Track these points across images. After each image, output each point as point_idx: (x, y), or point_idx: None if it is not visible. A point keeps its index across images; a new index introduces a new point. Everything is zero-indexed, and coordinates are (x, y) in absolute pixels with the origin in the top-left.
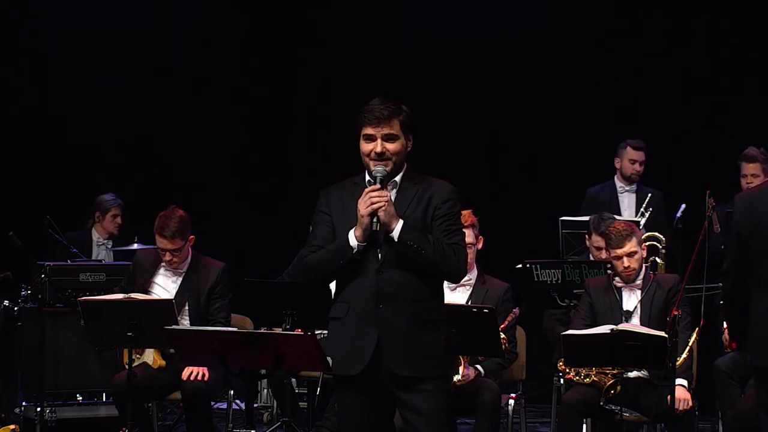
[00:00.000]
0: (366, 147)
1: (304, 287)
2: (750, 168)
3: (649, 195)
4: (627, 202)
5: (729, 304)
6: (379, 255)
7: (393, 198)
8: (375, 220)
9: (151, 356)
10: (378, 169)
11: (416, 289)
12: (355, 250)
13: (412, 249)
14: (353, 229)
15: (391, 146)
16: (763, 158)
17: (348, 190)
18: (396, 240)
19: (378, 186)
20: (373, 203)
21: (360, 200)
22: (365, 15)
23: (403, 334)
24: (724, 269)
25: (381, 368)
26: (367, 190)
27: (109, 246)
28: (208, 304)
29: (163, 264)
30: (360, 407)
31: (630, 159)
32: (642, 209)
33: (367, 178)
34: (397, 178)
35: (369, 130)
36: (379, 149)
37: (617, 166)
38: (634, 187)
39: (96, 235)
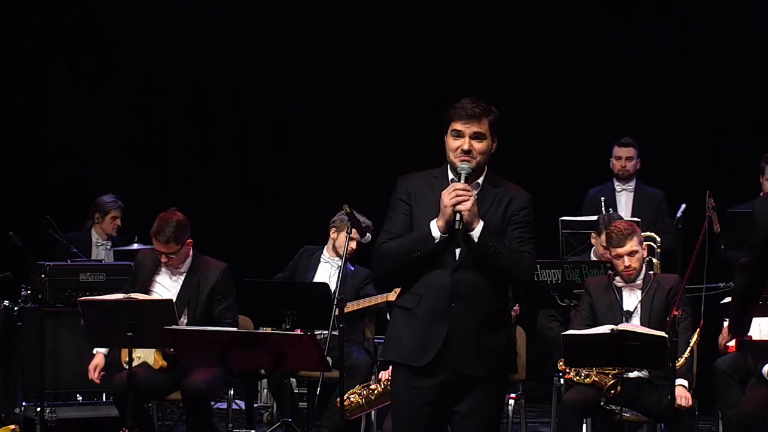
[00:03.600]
0: (453, 143)
1: (380, 278)
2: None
3: (602, 199)
4: (624, 201)
5: (741, 300)
6: (457, 254)
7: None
8: (458, 218)
9: (151, 356)
10: (463, 165)
11: (488, 292)
12: (436, 241)
13: (490, 251)
14: (435, 220)
15: (477, 145)
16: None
17: (428, 182)
18: (476, 240)
19: (464, 183)
20: (458, 197)
21: (444, 192)
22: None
23: (472, 333)
24: (741, 263)
25: (444, 364)
26: (454, 184)
27: (108, 247)
28: (209, 305)
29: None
30: (416, 399)
31: (616, 156)
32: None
33: (450, 174)
34: (480, 180)
35: (458, 126)
36: (466, 146)
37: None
38: (631, 186)
39: (95, 236)
